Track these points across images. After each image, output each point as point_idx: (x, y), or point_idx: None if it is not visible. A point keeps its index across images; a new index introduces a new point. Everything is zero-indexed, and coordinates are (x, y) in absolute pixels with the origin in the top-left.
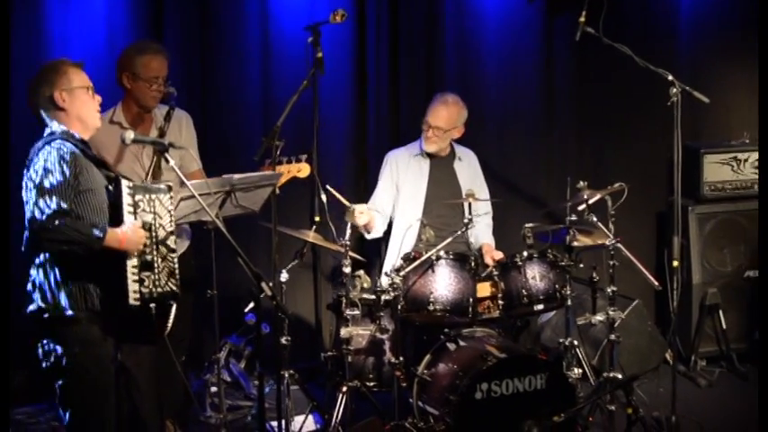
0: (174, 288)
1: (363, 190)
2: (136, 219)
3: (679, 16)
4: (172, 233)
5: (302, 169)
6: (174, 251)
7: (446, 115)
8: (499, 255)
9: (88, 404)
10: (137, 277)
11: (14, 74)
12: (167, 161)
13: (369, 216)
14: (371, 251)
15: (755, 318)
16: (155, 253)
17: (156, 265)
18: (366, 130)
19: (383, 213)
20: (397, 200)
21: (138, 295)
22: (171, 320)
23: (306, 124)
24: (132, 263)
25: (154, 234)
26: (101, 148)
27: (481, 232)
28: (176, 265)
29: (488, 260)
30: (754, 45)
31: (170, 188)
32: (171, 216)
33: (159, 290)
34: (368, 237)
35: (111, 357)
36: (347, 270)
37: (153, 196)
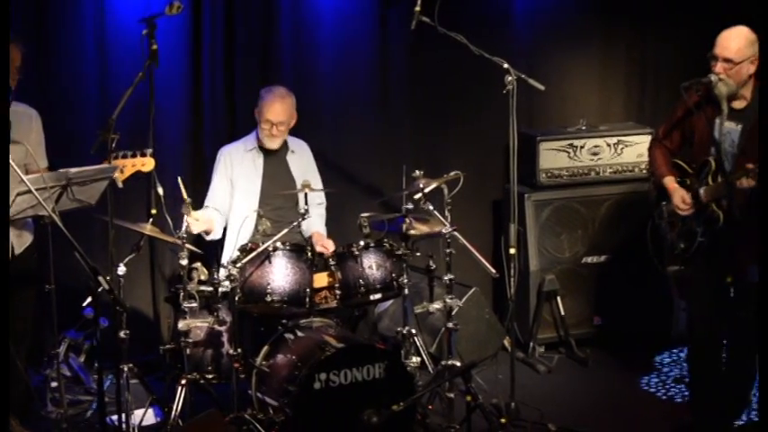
0: None
1: (200, 183)
2: None
3: (514, 4)
4: None
5: (146, 163)
6: None
7: (284, 109)
8: (330, 244)
9: None
10: None
11: None
12: None
13: (206, 223)
14: (208, 243)
15: (594, 303)
16: None
17: None
18: (202, 123)
19: (221, 210)
20: (232, 194)
21: None
22: None
23: (142, 117)
24: None
25: None
26: None
27: (313, 222)
28: None
29: (319, 248)
30: (590, 31)
31: None
32: None
33: None
34: (207, 238)
35: None
36: (184, 262)
37: None
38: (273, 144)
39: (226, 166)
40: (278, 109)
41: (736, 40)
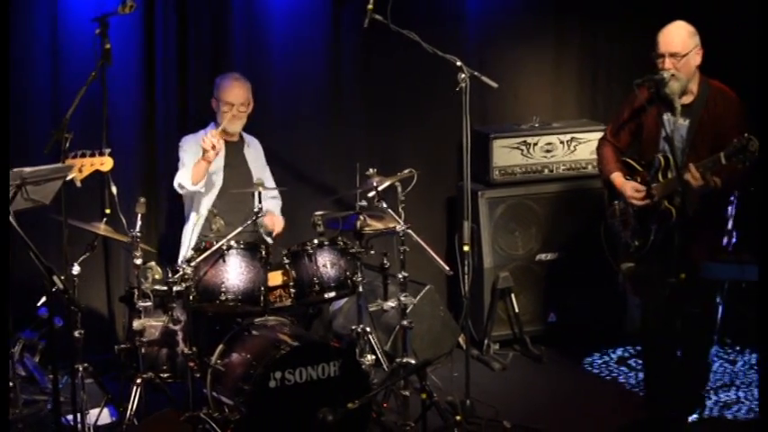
0: None
1: (152, 181)
2: None
3: (467, 2)
4: None
5: (105, 162)
6: None
7: (242, 90)
8: (279, 223)
9: None
10: None
11: None
12: None
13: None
14: (163, 242)
15: (548, 300)
16: None
17: None
18: (155, 122)
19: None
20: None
21: None
22: None
23: (96, 116)
24: None
25: None
26: None
27: (268, 206)
28: None
29: (269, 223)
30: (542, 29)
31: None
32: None
33: None
34: (190, 188)
35: None
36: (138, 262)
37: None
38: (236, 126)
39: (195, 149)
40: (236, 90)
41: (678, 33)
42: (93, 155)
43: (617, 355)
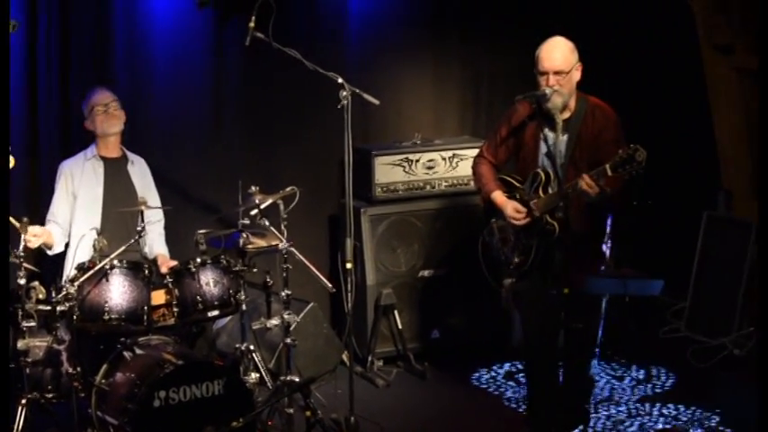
0: None
1: (36, 199)
2: None
3: (348, 19)
4: None
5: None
6: None
7: (110, 94)
8: (174, 264)
9: None
10: None
11: None
12: None
13: (44, 237)
14: (46, 262)
15: (431, 317)
16: None
17: None
18: (38, 139)
19: (62, 224)
20: (74, 208)
21: None
22: None
23: None
24: None
25: None
26: None
27: (155, 242)
28: None
29: (165, 271)
30: (423, 46)
31: None
32: None
33: None
34: (50, 253)
35: None
36: (22, 281)
37: None
38: (115, 126)
39: (67, 180)
40: (104, 94)
41: (559, 51)
42: None
43: (503, 371)
